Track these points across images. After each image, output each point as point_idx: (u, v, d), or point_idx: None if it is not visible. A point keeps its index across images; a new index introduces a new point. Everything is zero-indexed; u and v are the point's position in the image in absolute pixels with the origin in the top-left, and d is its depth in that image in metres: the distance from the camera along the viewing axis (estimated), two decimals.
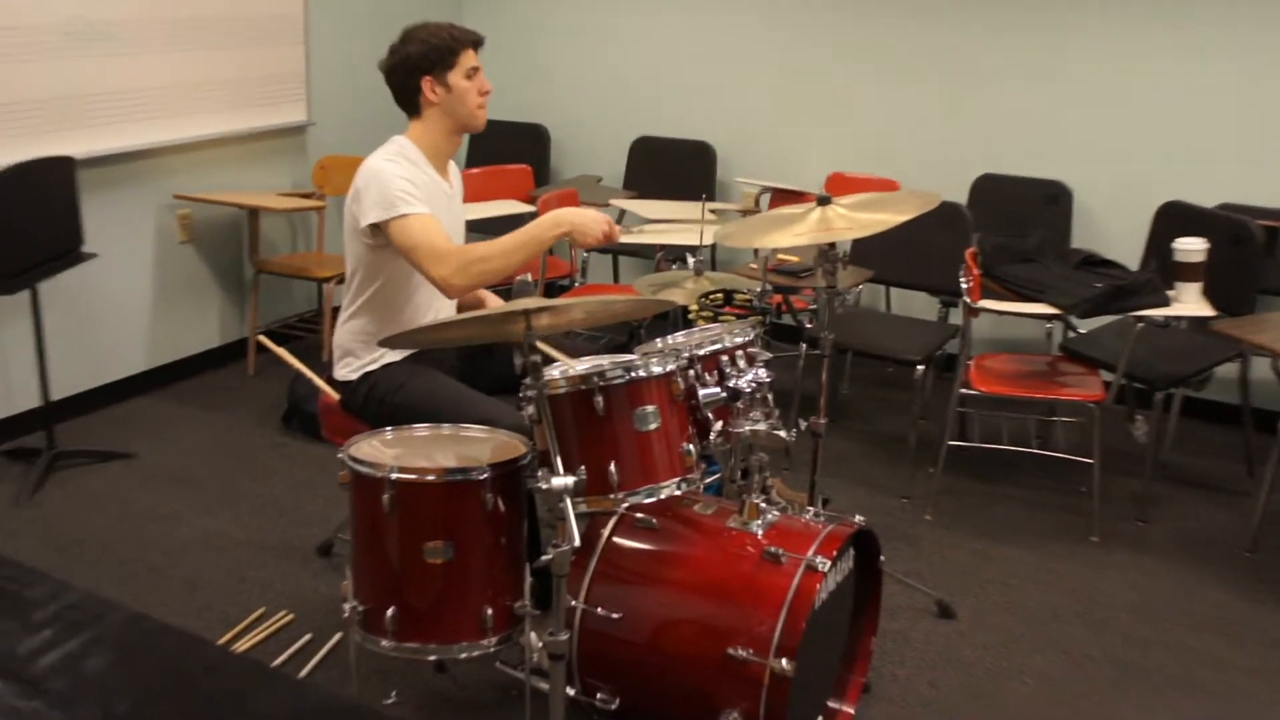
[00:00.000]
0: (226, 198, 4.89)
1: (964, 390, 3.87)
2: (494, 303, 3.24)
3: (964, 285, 3.84)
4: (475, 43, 2.94)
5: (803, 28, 5.43)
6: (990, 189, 5.01)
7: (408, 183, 2.79)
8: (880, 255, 4.47)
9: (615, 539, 2.57)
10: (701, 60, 5.69)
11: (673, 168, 5.74)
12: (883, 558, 2.70)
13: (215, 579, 3.39)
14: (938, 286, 4.70)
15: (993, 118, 5.08)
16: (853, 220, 2.77)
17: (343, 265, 3.12)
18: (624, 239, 3.01)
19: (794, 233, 2.75)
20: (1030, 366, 4.03)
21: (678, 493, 2.44)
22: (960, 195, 5.00)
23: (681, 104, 5.78)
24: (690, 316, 3.05)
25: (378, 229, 2.80)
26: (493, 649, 2.42)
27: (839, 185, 5.18)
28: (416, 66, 2.88)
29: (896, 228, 2.74)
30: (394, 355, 2.95)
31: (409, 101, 2.94)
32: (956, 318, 4.78)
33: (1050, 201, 4.90)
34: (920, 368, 4.10)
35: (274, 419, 4.59)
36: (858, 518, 2.62)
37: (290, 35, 5.26)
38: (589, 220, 2.81)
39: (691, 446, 2.47)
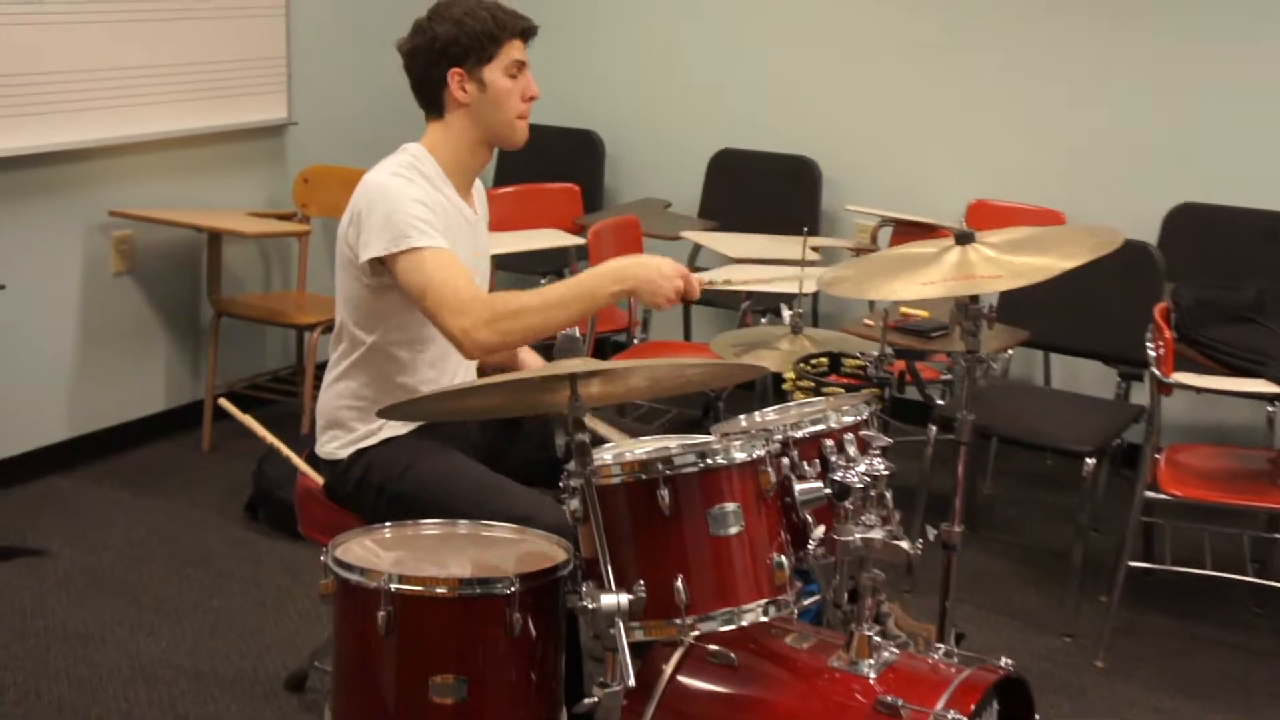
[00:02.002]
0: (179, 217, 5.00)
1: (1150, 494, 3.86)
2: (532, 363, 3.30)
3: (1152, 352, 3.85)
4: (525, 31, 3.00)
5: (939, 14, 5.51)
6: (1190, 224, 5.02)
7: (422, 206, 2.85)
8: (1039, 311, 4.49)
9: (681, 678, 2.59)
10: (803, 51, 5.79)
11: (764, 191, 5.82)
12: (1037, 716, 2.70)
13: None
14: (1116, 354, 4.71)
15: (1195, 134, 5.10)
16: (1002, 265, 2.80)
17: (330, 309, 3.18)
18: (705, 292, 3.04)
19: (923, 280, 2.79)
20: (1243, 464, 4.02)
21: (764, 619, 2.46)
22: (1149, 232, 5.01)
23: (776, 107, 5.87)
24: (785, 387, 3.09)
25: (381, 265, 2.85)
26: None
27: (984, 217, 5.22)
28: (444, 53, 2.93)
29: (1062, 276, 2.76)
30: (397, 428, 3.00)
31: (430, 98, 3.00)
32: (1141, 395, 4.77)
33: (1271, 239, 4.90)
34: (1090, 461, 4.10)
35: (235, 508, 4.68)
36: (1003, 661, 2.62)
37: (267, 5, 5.38)
38: (659, 275, 2.84)
39: (784, 558, 2.50)
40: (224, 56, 5.23)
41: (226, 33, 5.24)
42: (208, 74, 5.18)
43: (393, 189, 2.86)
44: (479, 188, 3.19)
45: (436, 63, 2.94)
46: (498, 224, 4.03)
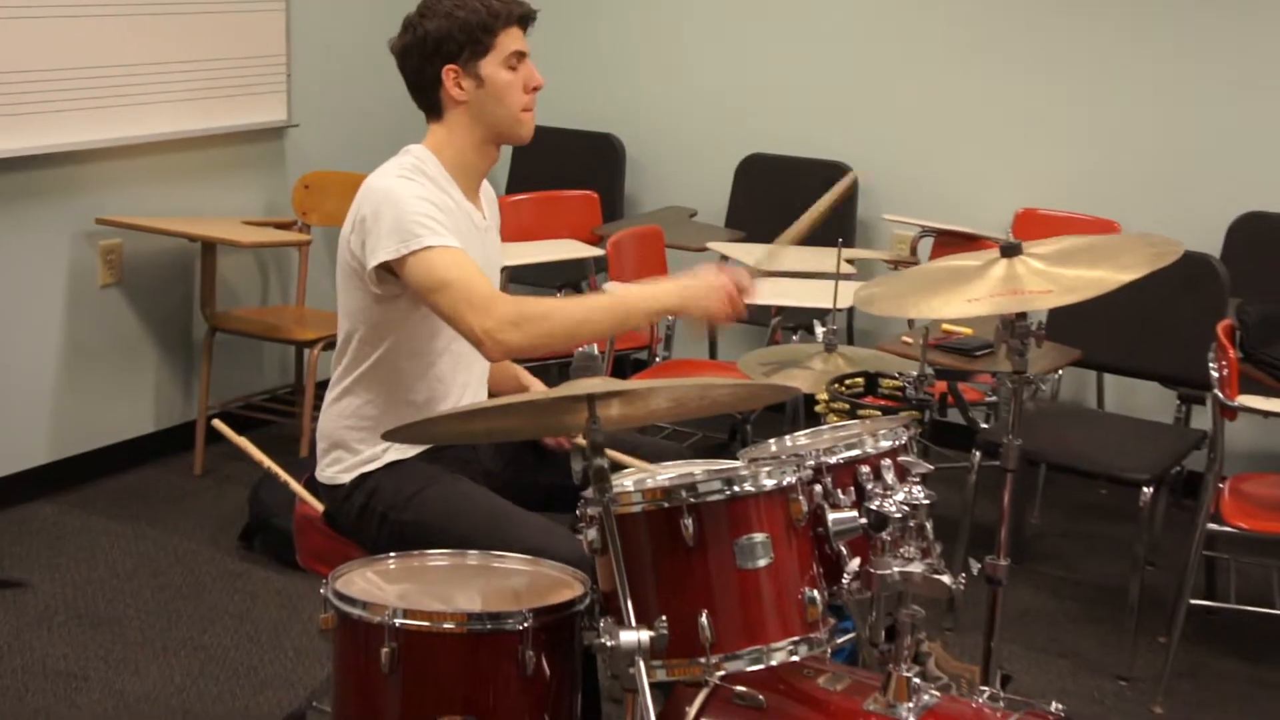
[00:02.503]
0: (170, 225, 5.03)
1: (1213, 526, 3.85)
2: (540, 389, 3.31)
3: (1215, 373, 3.84)
4: (523, 18, 3.00)
5: (983, 11, 5.51)
6: (1257, 234, 5.01)
7: (430, 205, 2.87)
8: (1091, 328, 4.49)
9: None
10: (837, 50, 5.80)
11: (795, 199, 5.76)
12: None
13: None
14: (1175, 375, 4.70)
15: (1261, 137, 5.10)
16: (1052, 278, 2.80)
17: (331, 324, 3.20)
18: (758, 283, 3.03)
19: (967, 295, 2.79)
20: None
21: (795, 658, 2.47)
22: (1212, 243, 5.01)
23: (808, 109, 5.88)
24: (818, 409, 3.09)
25: (390, 272, 2.87)
26: None
27: (1033, 227, 5.22)
28: (437, 50, 2.95)
29: (1117, 290, 2.76)
30: (402, 451, 3.01)
31: (427, 98, 3.02)
32: (1202, 420, 4.77)
33: None
34: (1147, 491, 4.09)
35: (229, 537, 4.70)
36: (1054, 706, 2.62)
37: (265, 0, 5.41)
38: (701, 285, 2.84)
39: (816, 593, 2.50)
40: (219, 54, 5.27)
41: (222, 29, 5.28)
42: (202, 72, 5.21)
43: (398, 191, 2.88)
44: (489, 192, 3.20)
45: (430, 61, 2.96)
46: (510, 233, 4.05)
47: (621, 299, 2.85)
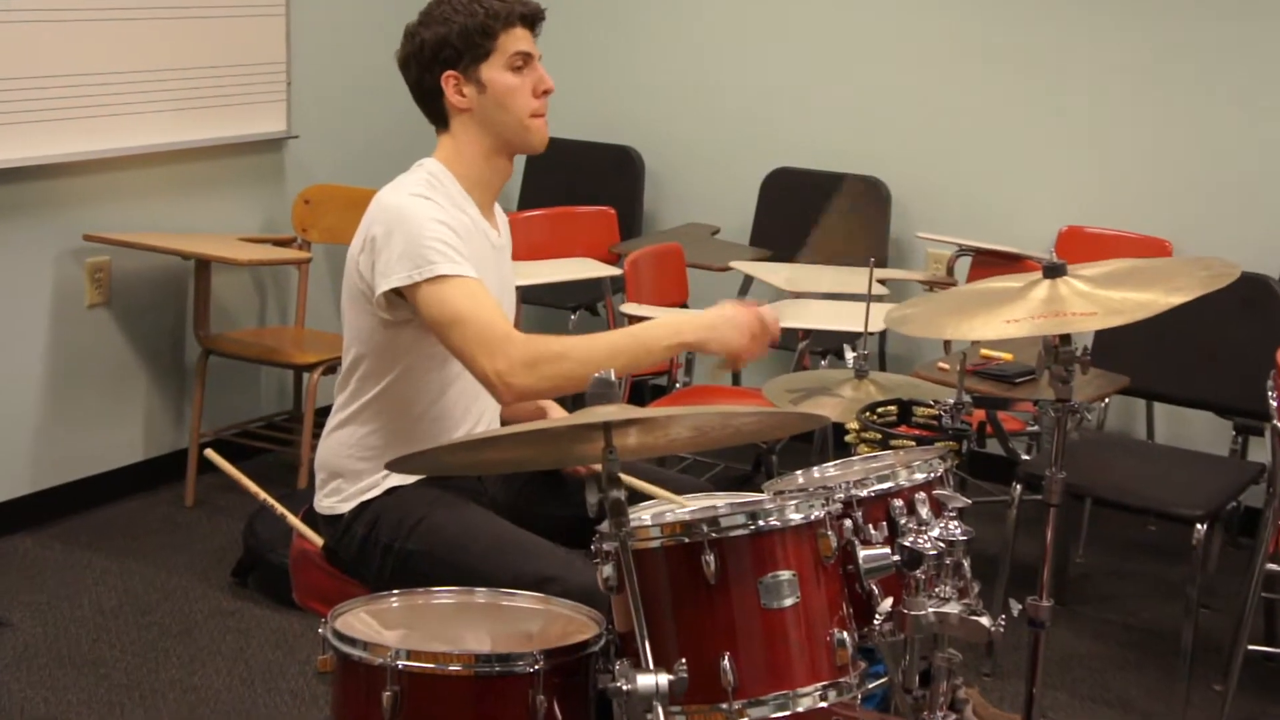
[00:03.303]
0: (162, 242, 5.04)
1: (1273, 566, 3.84)
2: (556, 412, 3.32)
3: (1274, 402, 3.83)
4: (526, 17, 3.01)
5: (1025, 18, 5.52)
6: None
7: (447, 229, 2.88)
8: (1141, 354, 4.49)
9: None
10: (869, 59, 5.81)
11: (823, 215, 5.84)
12: None
13: None
14: (1231, 403, 4.68)
15: None
16: (1099, 301, 2.81)
17: (332, 347, 3.22)
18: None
19: (1007, 318, 2.80)
20: None
21: (822, 704, 2.47)
22: (1271, 264, 4.99)
23: (838, 121, 5.89)
24: (848, 439, 3.10)
25: (400, 297, 2.88)
26: None
27: (1078, 247, 5.23)
28: (435, 58, 2.97)
29: (1168, 314, 2.76)
30: (404, 476, 3.01)
31: (431, 108, 3.05)
32: (1260, 452, 4.76)
33: None
34: (1201, 528, 4.08)
35: (221, 573, 4.71)
36: None
37: (264, 3, 5.43)
38: (724, 322, 2.86)
39: (846, 635, 2.50)
40: (215, 61, 5.29)
41: (218, 34, 5.30)
42: (196, 81, 5.23)
43: (412, 210, 2.89)
44: (499, 212, 3.22)
45: (429, 70, 2.99)
46: (524, 252, 4.06)
47: (641, 334, 2.86)
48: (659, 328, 2.88)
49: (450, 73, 2.98)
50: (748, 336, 2.88)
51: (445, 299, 2.82)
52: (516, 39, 2.99)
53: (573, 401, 3.34)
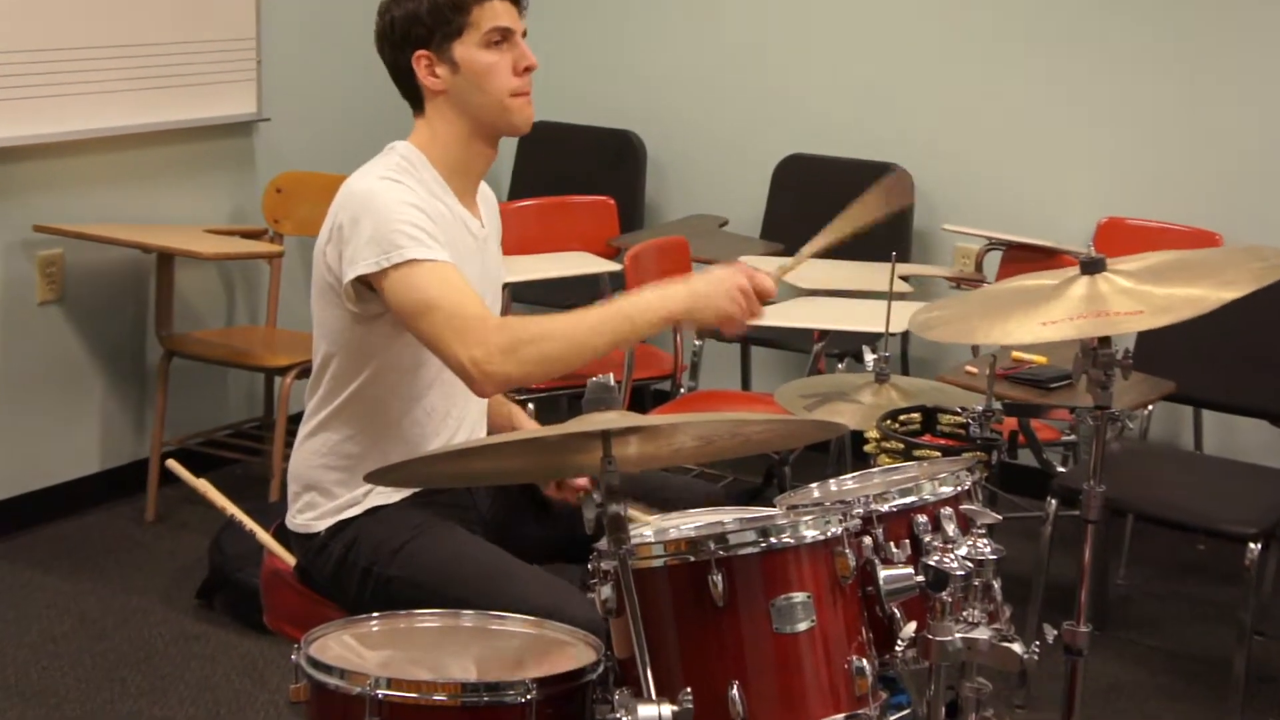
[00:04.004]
0: (121, 234, 5.04)
1: None
2: (525, 424, 3.31)
3: None
4: None
5: None
6: None
7: (418, 212, 2.88)
8: (1187, 356, 4.49)
9: None
10: (890, 35, 5.81)
11: (841, 206, 5.81)
12: None
13: None
14: None
15: None
16: (1142, 298, 2.80)
17: (307, 348, 3.21)
18: (781, 303, 3.04)
19: (1043, 319, 2.79)
20: None
21: None
22: None
23: (856, 103, 5.89)
24: (867, 449, 3.10)
25: (369, 286, 2.88)
26: None
27: (1119, 240, 5.22)
28: (406, 37, 2.99)
29: (1217, 312, 2.75)
30: (387, 494, 3.01)
31: (407, 89, 3.06)
32: None
33: None
34: (1254, 547, 4.08)
35: (185, 595, 4.70)
36: None
37: None
38: (710, 281, 2.86)
39: (865, 662, 2.49)
40: (178, 36, 5.29)
41: (182, 7, 5.30)
42: (158, 58, 5.23)
43: (380, 194, 2.89)
44: (488, 196, 3.21)
45: (400, 49, 3.00)
46: (514, 245, 4.06)
47: (627, 308, 2.84)
48: (646, 299, 2.86)
49: (422, 52, 2.98)
50: (738, 301, 2.85)
51: (415, 285, 2.81)
52: (494, 13, 2.99)
53: (568, 408, 3.34)
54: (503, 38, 2.99)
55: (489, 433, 3.21)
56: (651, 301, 2.85)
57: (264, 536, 3.14)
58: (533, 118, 3.07)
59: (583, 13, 6.20)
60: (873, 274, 4.88)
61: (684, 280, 2.89)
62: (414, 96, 3.04)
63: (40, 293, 5.08)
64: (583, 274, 5.22)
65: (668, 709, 2.29)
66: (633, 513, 2.86)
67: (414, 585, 2.88)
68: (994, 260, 5.37)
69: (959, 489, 2.74)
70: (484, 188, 3.18)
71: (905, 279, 4.93)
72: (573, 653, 2.57)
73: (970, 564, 2.57)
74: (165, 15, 5.23)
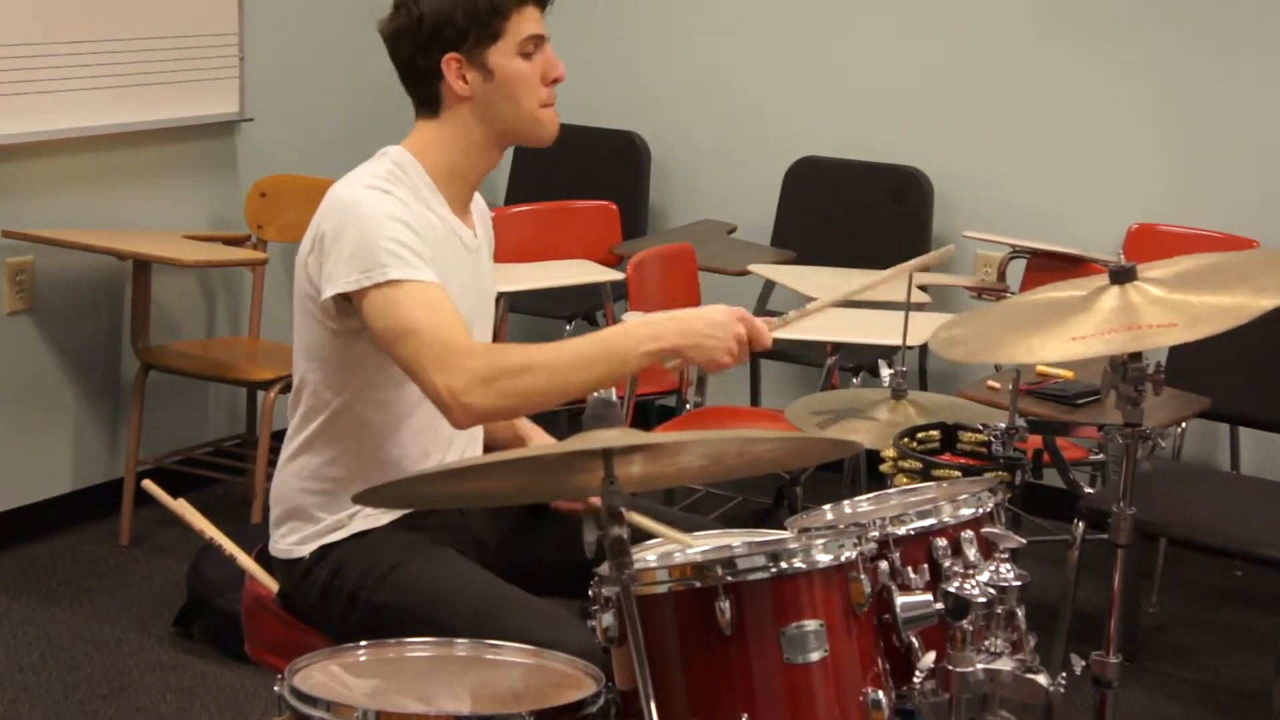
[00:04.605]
0: (95, 240, 5.03)
1: None
2: (541, 440, 3.32)
3: None
4: None
5: None
6: None
7: (404, 227, 2.88)
8: (1223, 371, 4.49)
9: None
10: (908, 33, 5.82)
11: (856, 212, 5.84)
12: None
13: None
14: None
15: None
16: (1175, 308, 2.80)
17: (291, 362, 3.22)
18: (781, 334, 3.03)
19: (1072, 334, 2.79)
20: None
21: None
22: None
23: (873, 104, 5.90)
24: (883, 469, 3.10)
25: (349, 303, 2.88)
26: None
27: (1150, 248, 5.21)
28: (434, 37, 2.96)
29: (1254, 324, 2.75)
30: (374, 517, 3.01)
31: (423, 91, 3.04)
32: None
33: None
34: None
35: (161, 622, 4.70)
36: None
37: None
38: (710, 328, 2.84)
39: (881, 695, 2.49)
40: (157, 32, 5.29)
41: (160, 1, 5.30)
42: (134, 54, 5.23)
43: (366, 205, 2.89)
44: (480, 204, 3.22)
45: (426, 49, 2.97)
46: (511, 252, 4.07)
47: (614, 340, 2.83)
48: (635, 332, 2.85)
49: (453, 55, 2.96)
50: (729, 349, 2.84)
51: (397, 307, 2.81)
52: (529, 20, 2.99)
53: (568, 425, 3.35)
54: (536, 46, 3.01)
55: (497, 446, 3.22)
56: (642, 338, 2.83)
57: (245, 561, 3.14)
58: (557, 128, 3.08)
59: (582, 5, 6.20)
60: (889, 283, 4.88)
61: (679, 315, 2.87)
62: (429, 99, 3.02)
63: (9, 302, 5.08)
64: (583, 283, 5.22)
65: None
66: (669, 532, 2.89)
67: (403, 612, 2.88)
68: (1018, 269, 5.37)
69: (980, 511, 2.74)
70: (476, 197, 3.18)
71: (924, 289, 4.93)
72: (572, 684, 2.56)
73: (992, 591, 2.58)
74: (141, 9, 5.23)
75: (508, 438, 3.28)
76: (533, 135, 3.06)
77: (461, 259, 3.04)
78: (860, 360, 5.05)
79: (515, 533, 3.17)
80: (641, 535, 2.93)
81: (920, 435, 3.13)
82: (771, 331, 2.93)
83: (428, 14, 2.96)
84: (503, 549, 3.12)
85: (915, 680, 2.57)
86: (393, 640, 2.73)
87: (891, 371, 3.40)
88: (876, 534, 2.63)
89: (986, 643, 2.58)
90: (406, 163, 3.01)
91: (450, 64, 2.97)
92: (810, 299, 4.72)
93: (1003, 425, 3.06)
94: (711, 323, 2.84)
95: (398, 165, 3.00)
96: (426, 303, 2.82)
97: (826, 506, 2.94)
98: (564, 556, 3.04)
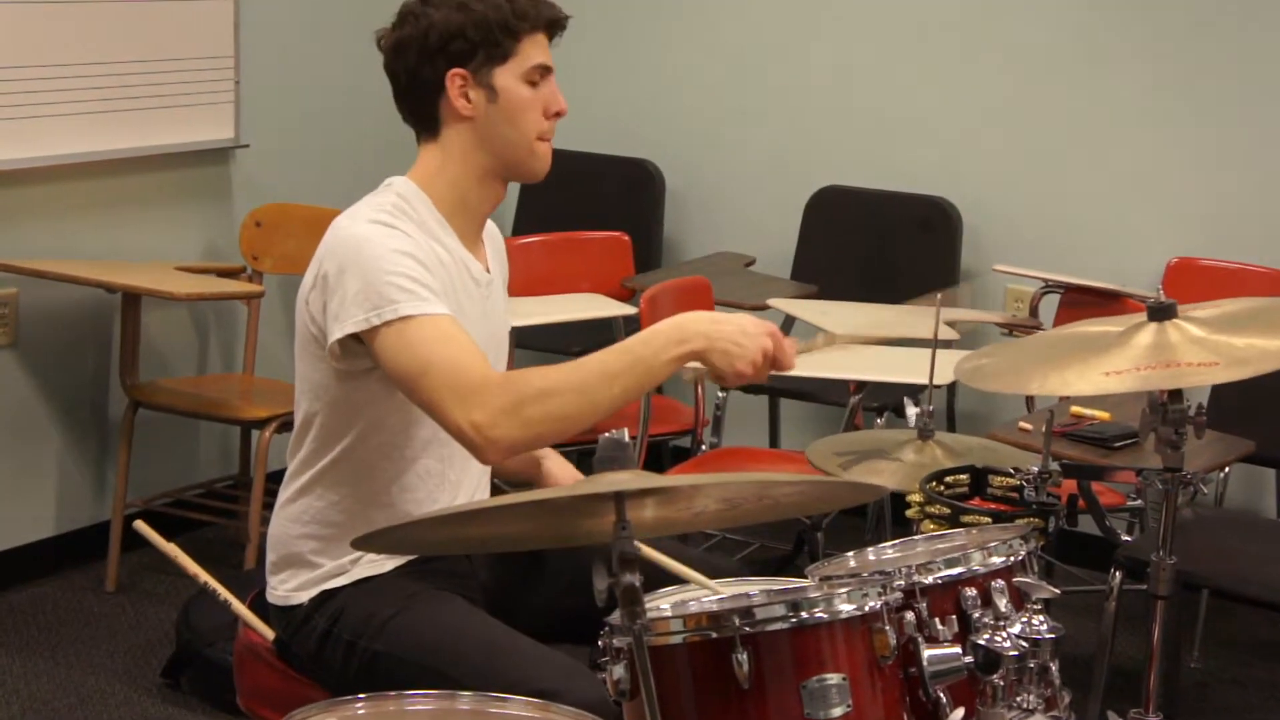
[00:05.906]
0: (82, 271, 5.03)
1: None
2: (562, 475, 3.32)
3: None
4: (553, 23, 3.04)
5: (1126, 16, 5.52)
6: None
7: (412, 260, 2.88)
8: (1268, 413, 4.49)
9: None
10: (935, 59, 5.82)
11: (881, 244, 5.84)
12: None
13: None
14: None
15: None
16: (1217, 348, 2.80)
17: (289, 400, 3.21)
18: (804, 359, 3.02)
19: (1106, 369, 2.79)
20: None
21: None
22: None
23: (898, 132, 5.90)
24: (909, 514, 3.10)
25: (358, 343, 2.88)
26: None
27: (1190, 283, 5.21)
28: (442, 48, 2.97)
29: None
30: (376, 563, 3.01)
31: (421, 108, 3.04)
32: None
33: None
34: None
35: (149, 672, 4.69)
36: None
37: None
38: (739, 334, 2.84)
39: None
40: (148, 55, 5.31)
41: (153, 22, 5.32)
42: (125, 78, 5.25)
43: (372, 240, 2.88)
44: (494, 235, 3.22)
45: (431, 60, 2.98)
46: (520, 285, 4.06)
47: (637, 348, 2.80)
48: (658, 336, 2.81)
49: (458, 70, 2.98)
50: (755, 361, 2.81)
51: (410, 343, 2.80)
52: (538, 47, 3.01)
53: (579, 466, 3.34)
54: (541, 77, 3.02)
55: (517, 477, 3.22)
56: (667, 343, 2.80)
57: (239, 607, 3.14)
58: (549, 165, 3.09)
59: (594, 28, 6.21)
60: (915, 319, 4.87)
61: (708, 316, 2.86)
62: (428, 117, 3.03)
63: None
64: (594, 317, 5.22)
65: None
66: (693, 575, 2.88)
67: (403, 662, 2.88)
68: (1050, 304, 5.37)
69: (1012, 559, 2.73)
70: (490, 226, 3.19)
71: (951, 325, 4.92)
72: None
73: (1024, 643, 2.58)
74: (133, 32, 5.24)
75: (530, 473, 3.28)
76: (525, 167, 3.06)
77: (472, 294, 3.04)
78: (885, 399, 5.05)
79: (522, 578, 3.17)
80: (661, 577, 2.93)
81: (948, 479, 3.12)
82: (797, 354, 2.93)
83: (437, 24, 2.96)
84: (509, 594, 3.11)
85: None
86: (392, 693, 2.72)
87: (918, 411, 3.40)
88: (902, 583, 2.62)
89: (1018, 699, 2.58)
90: (412, 194, 3.01)
91: (454, 79, 2.98)
92: (833, 335, 4.73)
93: (1035, 469, 3.05)
94: (741, 330, 2.82)
95: (402, 197, 3.00)
96: (440, 337, 2.81)
97: (849, 553, 2.93)
98: (573, 604, 3.03)
